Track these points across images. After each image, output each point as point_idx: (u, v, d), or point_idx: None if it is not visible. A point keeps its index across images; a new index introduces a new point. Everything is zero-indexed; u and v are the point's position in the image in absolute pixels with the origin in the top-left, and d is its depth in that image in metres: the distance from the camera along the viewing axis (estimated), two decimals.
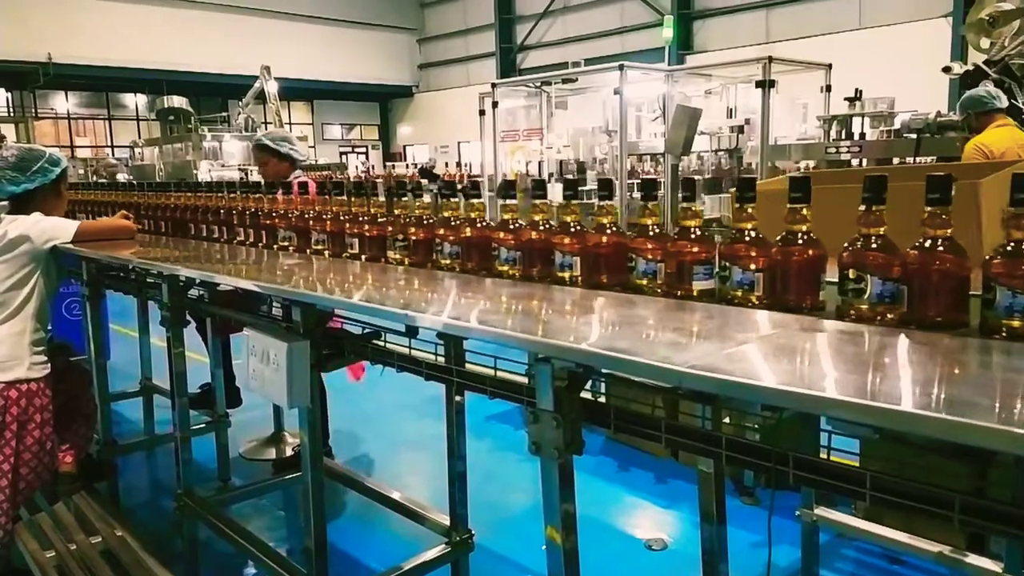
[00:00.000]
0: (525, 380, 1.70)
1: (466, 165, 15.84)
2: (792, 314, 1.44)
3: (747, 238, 1.52)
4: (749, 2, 17.18)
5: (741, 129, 6.17)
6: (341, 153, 24.64)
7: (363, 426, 4.52)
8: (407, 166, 21.55)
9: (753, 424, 1.48)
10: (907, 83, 5.99)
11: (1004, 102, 3.87)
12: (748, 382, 1.06)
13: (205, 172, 13.29)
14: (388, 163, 21.87)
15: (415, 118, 26.34)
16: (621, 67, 5.58)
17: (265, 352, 1.93)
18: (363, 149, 26.11)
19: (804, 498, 2.56)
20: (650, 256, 1.65)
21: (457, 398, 2.42)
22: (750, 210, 1.53)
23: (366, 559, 3.01)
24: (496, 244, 1.93)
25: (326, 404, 3.60)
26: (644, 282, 1.67)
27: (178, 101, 17.40)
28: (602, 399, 1.64)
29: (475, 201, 2.06)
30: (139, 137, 20.19)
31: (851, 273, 1.36)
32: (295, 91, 21.46)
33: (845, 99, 5.46)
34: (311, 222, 2.48)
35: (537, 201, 1.96)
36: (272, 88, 14.76)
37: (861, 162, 4.88)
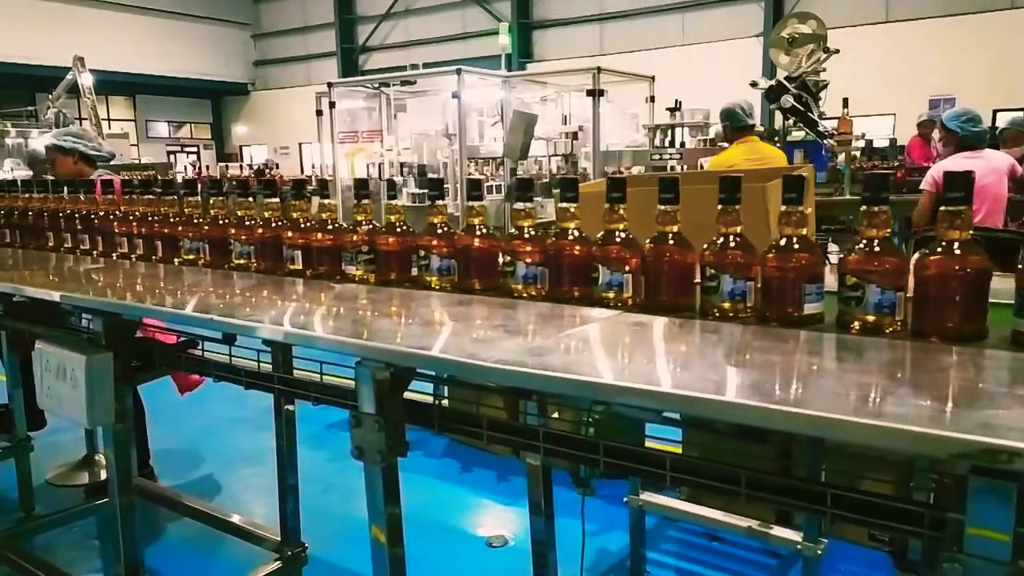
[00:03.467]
0: (354, 385, 1.67)
1: (312, 167, 15.35)
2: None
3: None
4: (583, 15, 17.94)
5: (575, 135, 6.42)
6: (169, 152, 23.06)
7: (194, 443, 4.25)
8: (244, 167, 20.59)
9: (584, 419, 1.55)
10: (722, 96, 6.48)
11: (754, 118, 4.15)
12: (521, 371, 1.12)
13: (8, 171, 11.97)
14: (222, 164, 20.74)
15: (252, 117, 25.20)
16: (458, 71, 5.64)
17: (61, 367, 1.76)
18: (194, 148, 24.60)
19: (631, 485, 2.69)
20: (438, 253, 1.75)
21: (288, 407, 2.34)
22: (573, 209, 1.58)
23: None
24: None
25: (144, 421, 3.36)
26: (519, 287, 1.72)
27: None
28: (445, 403, 1.66)
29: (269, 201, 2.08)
30: None
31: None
32: (115, 85, 19.90)
33: (667, 109, 5.83)
34: (114, 223, 2.31)
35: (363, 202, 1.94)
36: (87, 81, 13.53)
37: (682, 167, 5.22)
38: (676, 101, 5.70)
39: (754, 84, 5.32)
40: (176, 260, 2.19)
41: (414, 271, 1.79)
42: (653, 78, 6.22)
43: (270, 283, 1.91)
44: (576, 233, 1.55)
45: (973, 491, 0.87)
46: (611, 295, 1.49)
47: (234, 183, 2.28)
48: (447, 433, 1.56)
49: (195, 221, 2.16)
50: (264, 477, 3.80)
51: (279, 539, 2.43)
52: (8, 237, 2.72)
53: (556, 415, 1.82)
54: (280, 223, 2.00)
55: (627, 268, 1.48)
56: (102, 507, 3.13)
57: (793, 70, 5.31)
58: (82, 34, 17.97)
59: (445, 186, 2.11)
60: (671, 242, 1.43)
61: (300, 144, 22.28)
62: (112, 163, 3.84)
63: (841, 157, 5.56)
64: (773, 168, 2.97)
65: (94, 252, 2.42)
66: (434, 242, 1.74)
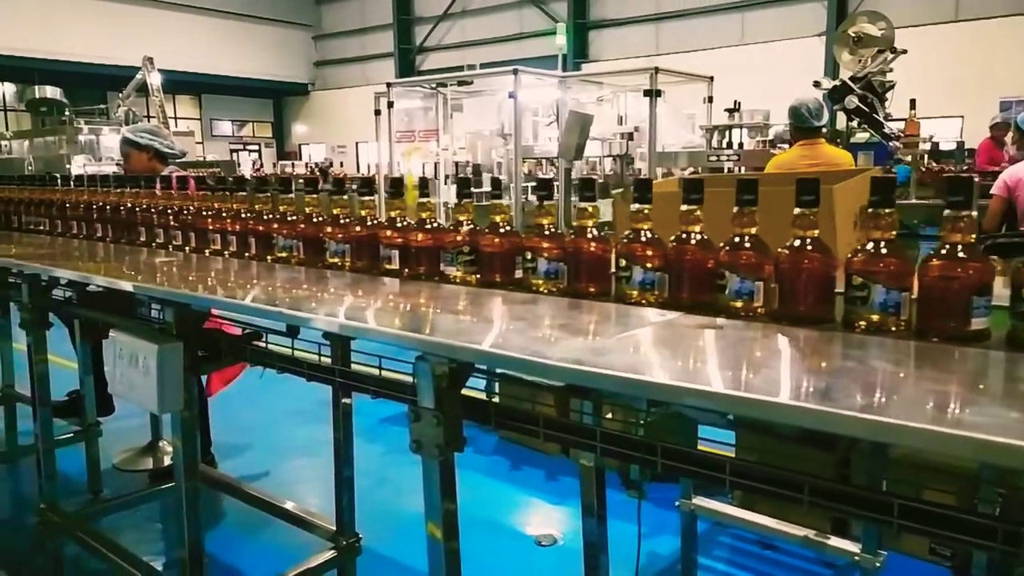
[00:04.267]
0: (411, 380, 1.69)
1: (368, 167, 15.57)
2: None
3: (643, 238, 1.52)
4: (640, 15, 17.78)
5: (631, 136, 6.37)
6: (232, 150, 23.71)
7: (251, 434, 4.36)
8: (304, 165, 21.04)
9: (637, 420, 1.54)
10: (783, 97, 6.34)
11: (822, 120, 3.93)
12: (587, 370, 1.12)
13: (79, 167, 12.47)
14: (282, 162, 21.24)
15: (311, 116, 25.72)
16: (515, 71, 5.65)
17: (134, 355, 1.84)
18: (255, 147, 25.23)
19: (683, 489, 2.66)
20: (547, 255, 1.66)
21: (345, 400, 2.38)
22: (646, 211, 1.53)
23: (248, 569, 2.91)
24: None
25: (206, 410, 3.46)
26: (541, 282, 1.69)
27: (51, 91, 16.21)
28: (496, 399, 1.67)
29: (341, 198, 2.09)
30: (6, 129, 18.72)
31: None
32: (182, 84, 20.54)
33: (725, 110, 5.74)
34: (186, 218, 2.38)
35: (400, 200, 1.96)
36: (155, 80, 14.02)
37: (740, 169, 5.14)
38: (735, 102, 5.61)
39: (817, 84, 5.20)
40: (269, 257, 2.17)
41: (518, 273, 1.72)
42: (712, 78, 6.13)
43: (365, 282, 1.88)
44: (699, 237, 1.44)
45: None
46: (739, 304, 1.38)
47: (325, 181, 2.30)
48: (503, 430, 1.56)
49: (289, 219, 2.14)
50: (318, 469, 3.89)
51: (334, 529, 2.48)
52: (87, 230, 2.83)
53: (610, 415, 1.81)
54: (376, 221, 1.95)
55: (760, 275, 1.37)
56: (166, 492, 3.24)
57: (858, 70, 5.17)
58: (151, 35, 18.60)
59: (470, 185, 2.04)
60: (809, 247, 1.32)
61: (357, 143, 22.63)
62: (180, 160, 3.96)
63: (908, 159, 5.39)
64: (841, 170, 2.89)
65: (186, 248, 2.43)
66: (544, 244, 1.64)
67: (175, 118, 20.83)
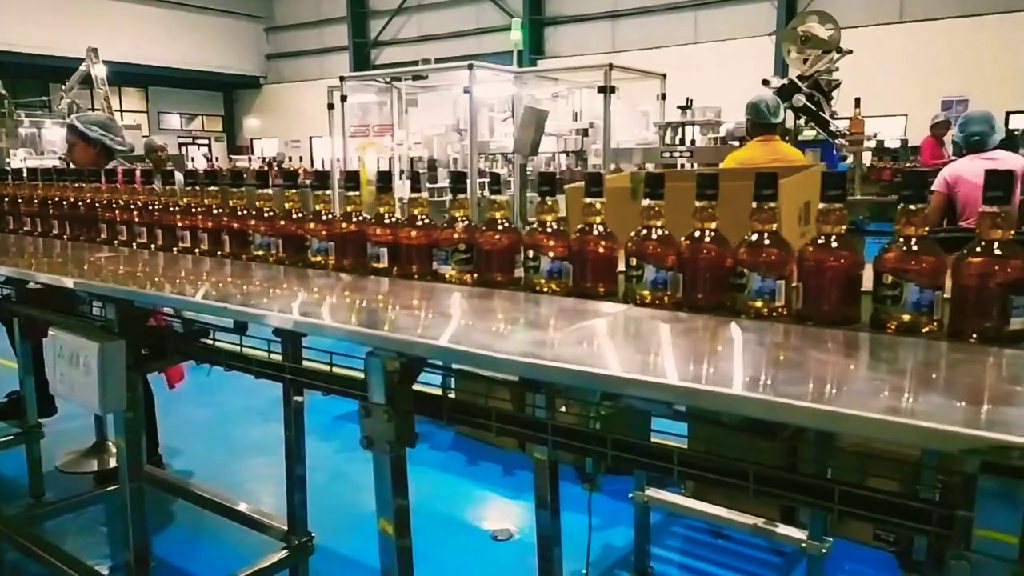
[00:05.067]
0: (363, 376, 1.68)
1: (323, 162, 15.36)
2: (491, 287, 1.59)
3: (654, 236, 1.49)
4: (596, 12, 17.90)
5: (586, 132, 6.41)
6: (180, 144, 23.16)
7: (202, 433, 4.27)
8: (257, 159, 20.67)
9: (590, 414, 1.55)
10: (734, 95, 6.45)
11: (779, 118, 4.03)
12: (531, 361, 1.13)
13: (21, 160, 12.06)
14: (233, 156, 20.83)
15: (263, 110, 25.27)
16: (470, 66, 5.64)
17: (74, 354, 1.78)
18: (205, 141, 24.70)
19: (636, 481, 2.69)
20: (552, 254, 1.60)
21: (297, 398, 2.35)
22: (598, 206, 1.53)
23: (199, 571, 2.84)
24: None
25: (153, 409, 3.38)
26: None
27: None
28: (452, 395, 1.66)
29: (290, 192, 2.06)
30: None
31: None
32: (128, 76, 19.99)
33: (678, 107, 5.82)
34: (129, 213, 2.32)
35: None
36: (100, 72, 13.59)
37: (692, 165, 5.21)
38: (687, 99, 5.68)
39: (766, 82, 5.30)
40: (244, 256, 2.09)
41: (518, 272, 1.65)
42: (664, 76, 6.20)
43: (351, 282, 1.80)
44: (712, 234, 1.39)
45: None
46: (759, 303, 1.33)
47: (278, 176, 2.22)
48: (456, 424, 1.56)
49: (267, 215, 2.04)
50: (272, 467, 3.82)
51: (286, 528, 2.45)
52: (30, 225, 2.73)
53: (563, 409, 1.82)
54: (362, 218, 1.86)
55: (781, 274, 1.32)
56: (111, 494, 3.16)
57: (805, 69, 5.29)
58: (96, 25, 18.05)
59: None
60: (834, 244, 1.27)
61: (311, 138, 22.32)
62: (127, 154, 3.84)
63: (850, 158, 5.54)
64: (792, 165, 2.95)
65: (152, 246, 2.32)
66: (550, 242, 1.56)
67: (120, 111, 20.25)
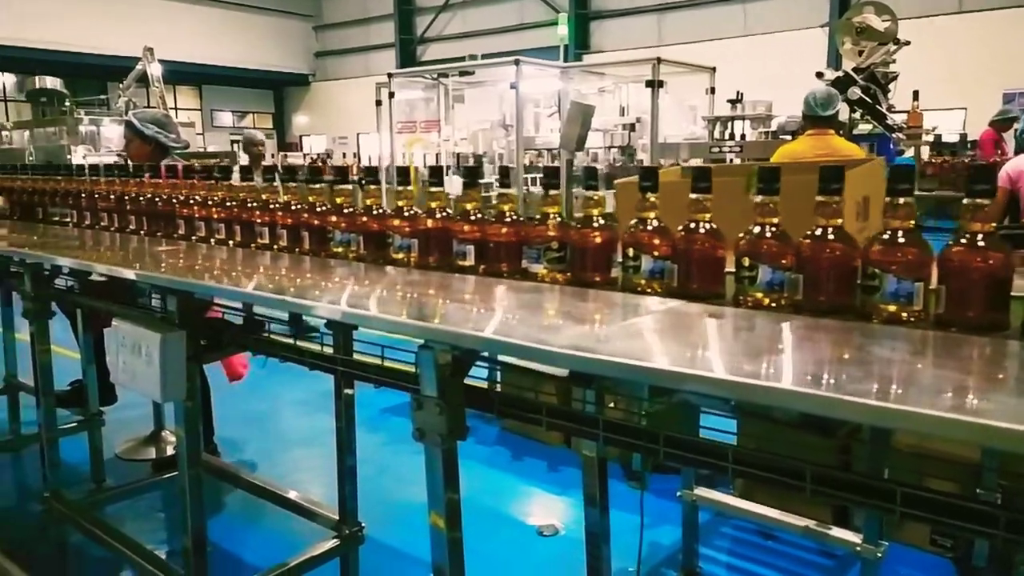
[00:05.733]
0: (413, 369, 1.69)
1: (369, 158, 15.51)
2: (693, 301, 1.43)
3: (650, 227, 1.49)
4: (642, 6, 17.71)
5: (633, 127, 6.35)
6: (232, 141, 23.63)
7: (254, 424, 4.37)
8: (304, 156, 21.00)
9: (638, 410, 1.54)
10: (785, 88, 6.32)
11: (828, 110, 3.93)
12: (594, 357, 1.10)
13: (80, 157, 12.46)
14: (283, 152, 21.20)
15: (312, 107, 25.65)
16: (516, 62, 5.63)
17: (136, 344, 1.84)
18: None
19: (684, 480, 2.67)
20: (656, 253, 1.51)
21: (347, 391, 2.38)
22: (653, 199, 1.50)
23: (251, 557, 2.92)
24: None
25: (209, 399, 3.47)
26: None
27: (51, 82, 16.17)
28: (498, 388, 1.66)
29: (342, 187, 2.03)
30: (7, 119, 18.68)
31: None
32: (182, 75, 20.46)
33: (728, 101, 5.72)
34: (188, 208, 2.37)
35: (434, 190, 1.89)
36: (156, 71, 13.96)
37: (742, 160, 5.13)
38: (737, 93, 5.59)
39: (820, 75, 5.18)
40: (323, 253, 2.03)
41: (614, 272, 1.58)
42: (714, 69, 6.11)
43: (436, 280, 1.74)
44: (836, 232, 1.30)
45: None
46: (893, 307, 1.23)
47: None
48: (506, 418, 1.56)
49: (347, 211, 1.98)
50: (320, 458, 3.90)
51: (337, 518, 2.49)
52: (84, 219, 2.82)
53: (611, 405, 1.81)
54: (447, 214, 1.80)
55: (919, 276, 1.22)
56: (168, 481, 3.26)
57: (861, 61, 5.16)
58: (152, 25, 18.50)
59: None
60: (982, 243, 1.18)
61: (358, 134, 22.58)
62: (182, 151, 3.95)
63: (909, 152, 5.39)
64: (848, 159, 2.88)
65: (230, 242, 2.29)
66: (654, 240, 1.47)
67: (176, 108, 20.79)
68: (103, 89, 19.48)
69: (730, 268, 1.42)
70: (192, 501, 1.98)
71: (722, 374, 1.03)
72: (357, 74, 22.68)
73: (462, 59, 11.62)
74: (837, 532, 2.53)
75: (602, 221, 1.57)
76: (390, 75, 6.79)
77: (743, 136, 5.56)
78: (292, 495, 2.80)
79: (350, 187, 2.04)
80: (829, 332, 1.24)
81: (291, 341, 1.90)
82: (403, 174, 2.11)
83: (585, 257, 1.59)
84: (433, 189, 1.85)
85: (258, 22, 22.86)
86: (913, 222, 1.23)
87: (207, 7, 21.58)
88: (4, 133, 16.34)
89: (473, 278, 1.73)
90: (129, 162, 3.28)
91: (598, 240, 1.57)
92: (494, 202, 1.79)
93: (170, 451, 3.71)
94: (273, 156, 20.02)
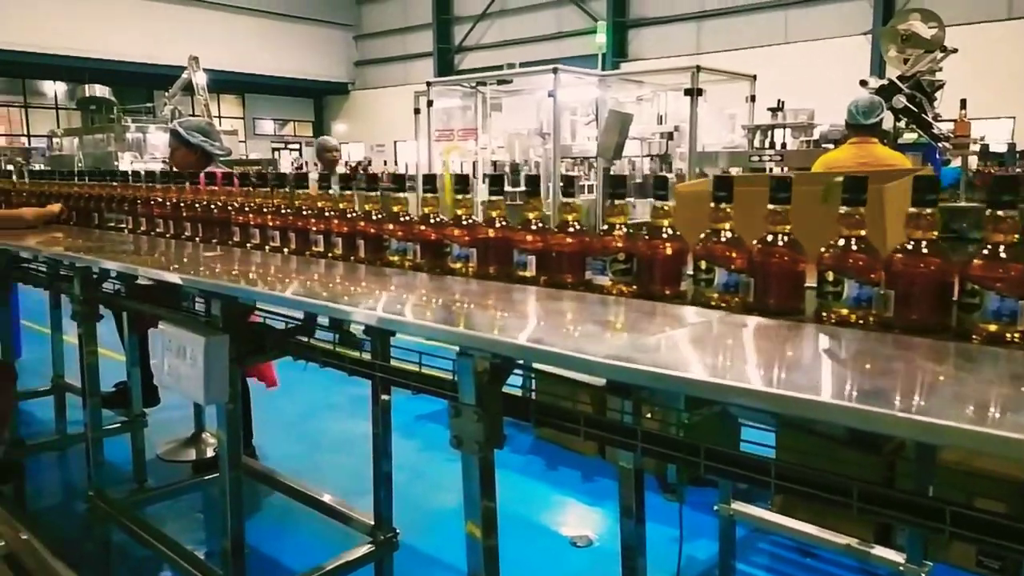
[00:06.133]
0: (450, 376, 1.70)
1: (406, 166, 15.65)
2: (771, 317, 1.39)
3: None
4: (681, 14, 17.60)
5: (671, 136, 6.32)
6: (273, 149, 24.08)
7: (288, 427, 4.43)
8: (344, 164, 21.27)
9: (675, 421, 1.52)
10: (827, 96, 6.23)
11: (871, 119, 3.87)
12: (632, 367, 1.09)
13: (128, 164, 12.80)
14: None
15: (351, 115, 25.98)
16: (555, 70, 5.65)
17: (181, 347, 1.87)
18: (296, 145, 25.59)
19: (721, 493, 2.63)
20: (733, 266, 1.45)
21: (384, 396, 2.40)
22: (727, 209, 1.44)
23: (287, 560, 2.94)
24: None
25: (249, 403, 3.52)
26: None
27: (100, 90, 16.68)
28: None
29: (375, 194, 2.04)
30: (58, 126, 19.29)
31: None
32: (226, 84, 20.88)
33: (768, 109, 5.66)
34: (231, 214, 2.41)
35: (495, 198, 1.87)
36: (200, 80, 14.29)
37: (783, 170, 5.06)
38: (779, 101, 5.53)
39: (864, 83, 5.09)
40: (379, 261, 2.01)
41: (683, 285, 1.53)
42: (755, 77, 6.05)
43: (495, 290, 1.71)
44: (931, 246, 1.24)
45: None
46: (995, 327, 1.17)
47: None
48: (543, 427, 1.55)
49: (403, 219, 1.96)
50: (354, 463, 3.93)
51: (372, 523, 2.50)
52: (131, 224, 2.88)
53: (648, 415, 1.80)
54: (505, 223, 1.78)
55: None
56: (207, 483, 3.31)
57: (906, 69, 5.05)
58: (196, 35, 18.96)
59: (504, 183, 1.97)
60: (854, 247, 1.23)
61: (395, 142, 22.80)
62: (225, 159, 4.01)
63: (956, 162, 5.25)
64: (892, 169, 2.83)
65: (285, 250, 2.28)
66: (730, 252, 1.41)
67: (219, 117, 21.22)
68: (149, 97, 20.02)
69: (810, 282, 1.36)
70: (232, 503, 2.01)
71: (841, 401, 0.96)
72: (395, 83, 22.91)
73: (500, 68, 11.68)
74: (880, 551, 2.47)
75: (671, 232, 1.52)
76: (429, 83, 6.86)
77: (783, 145, 5.49)
78: (327, 499, 2.82)
79: (405, 195, 2.01)
80: (930, 352, 1.18)
81: (331, 347, 1.92)
82: (498, 182, 1.99)
83: (653, 269, 1.54)
84: (529, 199, 1.78)
85: (300, 32, 23.26)
86: (1017, 235, 1.17)
87: (251, 17, 22.02)
88: (55, 140, 16.88)
89: (534, 289, 1.70)
90: (174, 169, 3.34)
91: (668, 251, 1.52)
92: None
93: (210, 453, 3.77)
94: (317, 164, 20.34)
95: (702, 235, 1.47)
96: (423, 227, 1.91)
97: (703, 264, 1.44)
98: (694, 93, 5.35)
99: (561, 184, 1.91)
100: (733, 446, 1.37)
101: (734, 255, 1.42)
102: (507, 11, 20.87)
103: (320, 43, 23.91)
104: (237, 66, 20.58)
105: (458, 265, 1.84)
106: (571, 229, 1.67)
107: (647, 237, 1.53)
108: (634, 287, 1.57)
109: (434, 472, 3.65)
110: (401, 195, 2.00)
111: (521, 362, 1.50)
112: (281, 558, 2.97)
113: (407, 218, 1.96)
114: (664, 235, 1.52)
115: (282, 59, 22.55)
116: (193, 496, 3.48)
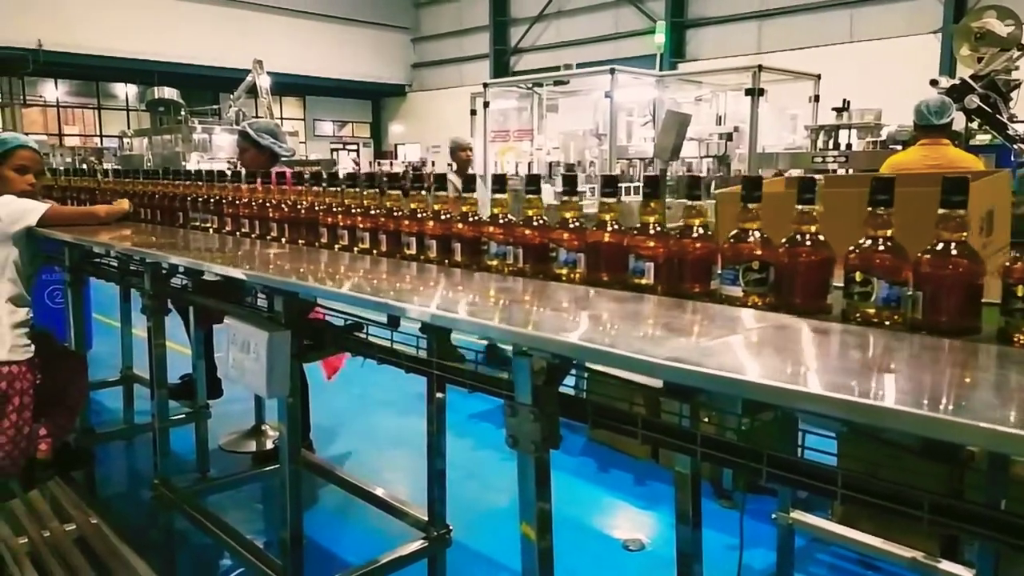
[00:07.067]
0: (506, 376, 1.70)
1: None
2: (796, 316, 1.36)
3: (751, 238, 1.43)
4: (742, 12, 17.28)
5: (730, 136, 6.21)
6: (332, 150, 24.55)
7: (344, 422, 4.50)
8: (401, 164, 21.57)
9: (733, 426, 1.49)
10: (895, 96, 6.03)
11: (943, 119, 3.73)
12: (697, 370, 1.05)
13: (194, 163, 13.22)
14: (378, 160, 21.82)
15: (407, 117, 26.29)
16: (612, 70, 5.61)
17: (246, 341, 1.92)
18: (354, 146, 26.02)
19: (780, 502, 2.57)
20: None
21: (439, 394, 2.42)
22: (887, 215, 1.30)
23: (342, 552, 3.00)
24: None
25: (307, 397, 3.59)
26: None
27: (169, 93, 17.31)
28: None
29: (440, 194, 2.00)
30: (128, 128, 20.04)
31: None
32: (287, 86, 21.37)
33: (833, 109, 5.51)
34: (296, 213, 2.46)
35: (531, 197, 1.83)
36: (264, 82, 14.67)
37: (847, 172, 4.92)
38: (844, 101, 5.38)
39: (934, 83, 4.91)
40: (475, 266, 1.91)
41: (829, 299, 1.40)
42: (819, 76, 5.90)
43: (606, 298, 1.60)
44: (958, 249, 1.21)
45: None
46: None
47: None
48: (598, 428, 1.53)
49: (501, 220, 1.84)
50: (408, 460, 3.98)
51: (426, 519, 2.53)
52: (199, 221, 2.96)
53: (706, 420, 1.76)
54: (618, 226, 1.66)
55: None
56: (267, 474, 3.39)
57: (980, 68, 4.86)
58: (260, 39, 19.45)
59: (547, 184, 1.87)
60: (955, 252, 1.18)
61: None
62: (288, 159, 4.11)
63: None
64: (967, 171, 2.72)
65: (374, 251, 2.19)
66: (889, 263, 1.27)
67: (281, 118, 21.73)
68: (215, 99, 20.61)
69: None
70: (291, 495, 2.05)
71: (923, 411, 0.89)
72: (452, 84, 23.09)
73: (556, 68, 11.65)
74: (947, 566, 2.38)
75: (819, 238, 1.39)
76: (486, 85, 6.89)
77: (848, 146, 5.33)
78: (382, 494, 2.86)
79: (505, 196, 1.91)
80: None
81: (388, 343, 1.94)
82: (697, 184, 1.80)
83: (795, 280, 1.40)
84: (650, 201, 1.65)
85: (359, 35, 23.65)
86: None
87: (312, 21, 22.49)
88: (126, 140, 17.54)
89: (654, 298, 1.56)
90: (242, 169, 3.42)
91: (813, 260, 1.38)
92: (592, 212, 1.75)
93: (269, 445, 3.87)
94: (371, 163, 20.66)
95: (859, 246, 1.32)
96: (527, 231, 1.79)
97: (858, 276, 1.30)
98: (755, 93, 5.25)
99: (590, 186, 1.82)
100: (790, 451, 1.33)
101: (898, 264, 1.27)
102: (564, 12, 20.81)
103: (379, 46, 24.26)
104: (299, 69, 21.03)
105: (563, 271, 1.73)
106: (696, 234, 1.54)
107: (788, 245, 1.40)
108: (768, 299, 1.43)
109: (486, 471, 3.67)
110: (502, 196, 1.89)
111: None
112: (336, 550, 3.02)
113: (506, 220, 1.85)
114: (808, 243, 1.38)
115: (342, 62, 22.96)
116: (253, 487, 3.57)
